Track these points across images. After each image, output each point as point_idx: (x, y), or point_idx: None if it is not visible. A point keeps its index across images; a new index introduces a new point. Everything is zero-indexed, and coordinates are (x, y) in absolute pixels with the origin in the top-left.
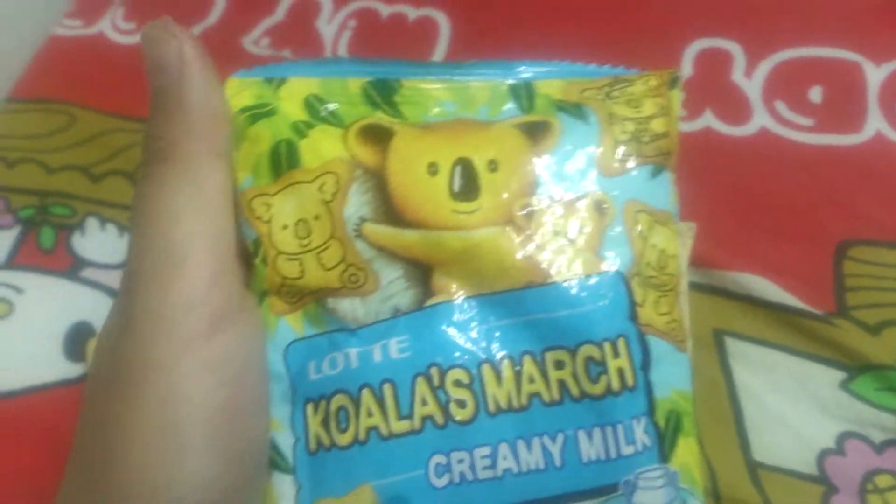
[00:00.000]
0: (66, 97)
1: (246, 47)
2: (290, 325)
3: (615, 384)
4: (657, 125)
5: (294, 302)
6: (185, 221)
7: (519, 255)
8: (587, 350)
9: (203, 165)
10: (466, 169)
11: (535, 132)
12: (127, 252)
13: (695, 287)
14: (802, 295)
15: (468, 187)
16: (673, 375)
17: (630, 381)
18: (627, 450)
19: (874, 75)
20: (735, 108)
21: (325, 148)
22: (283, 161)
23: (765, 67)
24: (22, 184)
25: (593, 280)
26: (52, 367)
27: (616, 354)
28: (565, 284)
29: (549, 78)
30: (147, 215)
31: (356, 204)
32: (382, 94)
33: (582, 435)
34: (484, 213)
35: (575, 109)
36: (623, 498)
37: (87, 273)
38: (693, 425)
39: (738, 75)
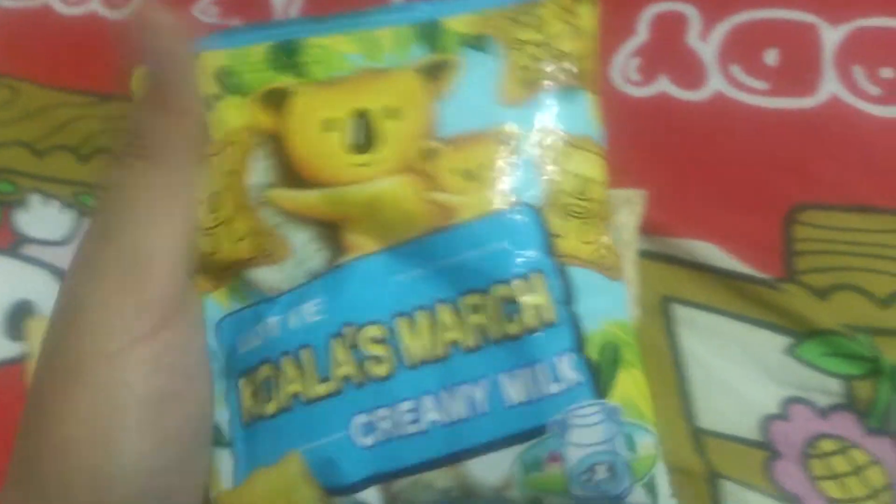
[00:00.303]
0: (9, 71)
1: (196, 15)
2: (217, 302)
3: (533, 322)
4: (565, 44)
5: (217, 278)
6: (158, 227)
7: (422, 201)
8: (500, 290)
9: (186, 174)
10: (363, 120)
11: (436, 72)
12: (87, 234)
13: (644, 254)
14: (751, 260)
15: (365, 139)
16: (604, 306)
17: (550, 316)
18: (554, 388)
19: (830, 36)
20: (690, 72)
21: (229, 119)
22: None
23: (721, 30)
24: None
25: (500, 216)
26: None
27: (531, 290)
28: (471, 224)
29: (457, 13)
30: (119, 211)
31: (259, 171)
32: (286, 56)
33: (504, 378)
34: (383, 163)
35: (477, 42)
36: (555, 439)
37: (29, 250)
38: (637, 356)
39: (693, 38)
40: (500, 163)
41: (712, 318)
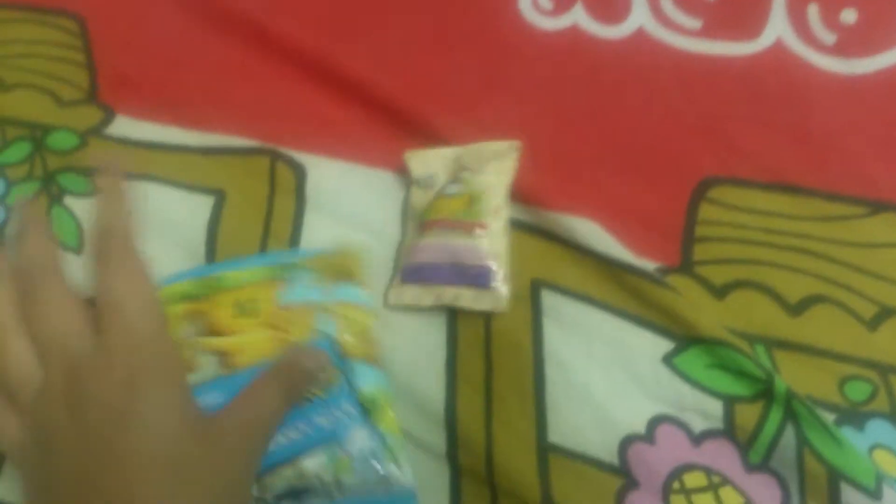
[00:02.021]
0: None
1: None
2: None
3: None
4: (350, 267)
5: None
6: None
7: (277, 341)
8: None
9: None
10: (241, 304)
11: (281, 281)
12: None
13: (516, 225)
14: (641, 242)
15: (244, 311)
16: (367, 379)
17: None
18: (344, 417)
19: None
20: (612, 1)
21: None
22: None
23: None
24: None
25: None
26: None
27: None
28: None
29: (289, 258)
30: None
31: (186, 329)
32: (216, 284)
33: (316, 417)
34: (257, 324)
35: (301, 269)
36: (344, 443)
37: None
38: (388, 404)
39: None
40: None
41: (583, 310)
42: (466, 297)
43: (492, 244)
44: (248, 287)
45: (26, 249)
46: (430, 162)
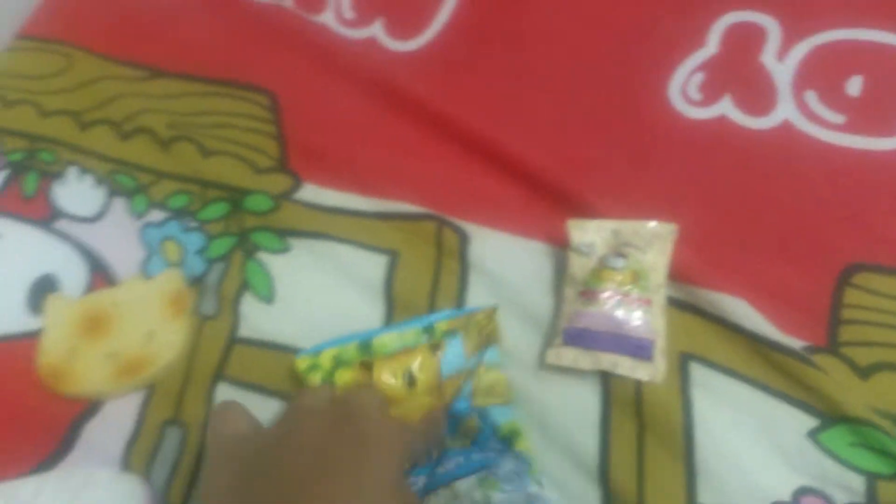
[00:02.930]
0: (68, 38)
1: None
2: None
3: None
4: (488, 329)
5: None
6: None
7: (432, 406)
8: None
9: None
10: (409, 373)
11: (437, 349)
12: None
13: (670, 301)
14: (789, 322)
15: (412, 382)
16: (504, 415)
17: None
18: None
19: None
20: (759, 94)
21: (342, 377)
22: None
23: (802, 49)
24: (16, 126)
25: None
26: (14, 318)
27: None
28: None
29: (440, 320)
30: None
31: None
32: (364, 346)
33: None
34: (419, 393)
35: (451, 333)
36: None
37: (61, 224)
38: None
39: (768, 56)
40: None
41: (732, 385)
42: (625, 366)
43: (654, 320)
44: (405, 353)
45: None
46: (590, 232)
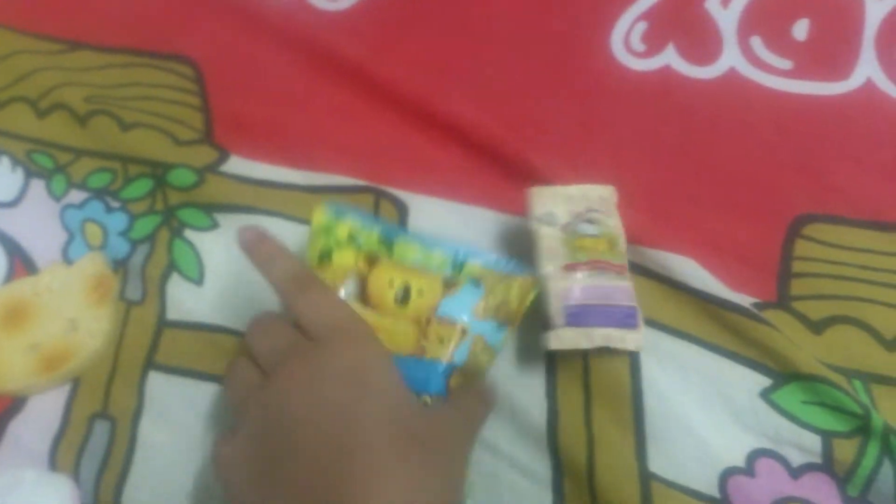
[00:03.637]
0: None
1: None
2: None
3: None
4: (512, 305)
5: None
6: None
7: (414, 340)
8: None
9: None
10: (406, 290)
11: (449, 284)
12: None
13: None
14: (738, 279)
15: (404, 299)
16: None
17: None
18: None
19: (874, 10)
20: (703, 42)
21: (344, 259)
22: (324, 256)
23: None
24: None
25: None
26: None
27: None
28: (426, 359)
29: (473, 260)
30: None
31: (346, 290)
32: (386, 242)
33: None
34: (406, 315)
35: (475, 282)
36: None
37: None
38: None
39: (712, 2)
40: (455, 341)
41: (681, 346)
42: (615, 338)
43: (631, 286)
44: (419, 273)
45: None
46: (549, 200)
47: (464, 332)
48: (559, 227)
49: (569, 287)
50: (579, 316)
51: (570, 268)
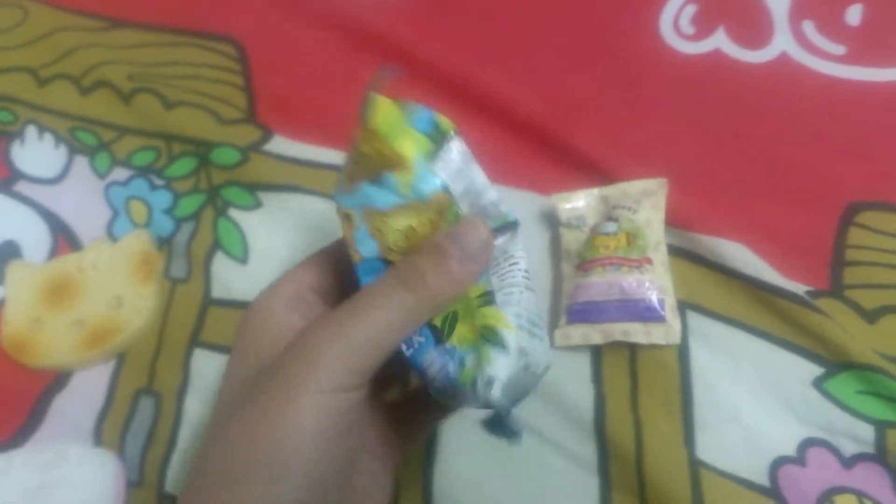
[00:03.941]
0: None
1: None
2: None
3: None
4: (367, 149)
5: None
6: None
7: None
8: None
9: None
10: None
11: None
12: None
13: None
14: (790, 266)
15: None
16: None
17: None
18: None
19: None
20: (754, 26)
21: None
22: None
23: None
24: None
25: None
26: None
27: None
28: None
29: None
30: None
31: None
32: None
33: None
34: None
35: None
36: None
37: (21, 187)
38: (469, 313)
39: None
40: (349, 233)
41: (731, 334)
42: (638, 333)
43: (658, 278)
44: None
45: None
46: (577, 203)
47: (348, 216)
48: (587, 230)
49: (576, 285)
50: (587, 313)
51: (581, 267)
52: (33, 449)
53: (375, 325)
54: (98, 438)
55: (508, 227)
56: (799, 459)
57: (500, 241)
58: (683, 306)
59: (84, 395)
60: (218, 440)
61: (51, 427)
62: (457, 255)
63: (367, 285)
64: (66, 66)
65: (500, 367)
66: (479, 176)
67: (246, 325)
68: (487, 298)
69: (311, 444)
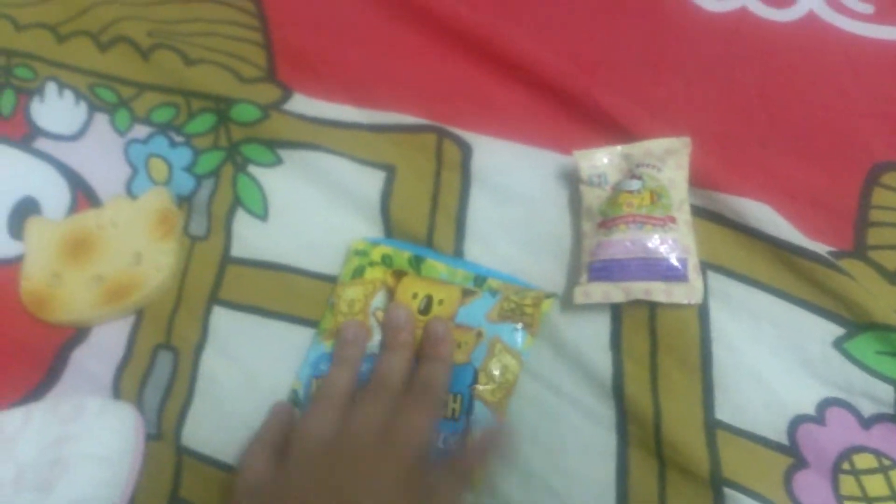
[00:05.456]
0: None
1: None
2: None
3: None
4: (527, 310)
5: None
6: None
7: None
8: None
9: None
10: (428, 300)
11: (468, 295)
12: None
13: None
14: (813, 227)
15: (425, 309)
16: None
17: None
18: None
19: None
20: None
21: (375, 274)
22: (357, 273)
23: None
24: None
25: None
26: None
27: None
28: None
29: (493, 277)
30: None
31: (376, 302)
32: (415, 262)
33: None
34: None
35: (492, 292)
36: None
37: (40, 144)
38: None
39: None
40: (472, 344)
41: (752, 294)
42: (659, 291)
43: (682, 237)
44: (440, 285)
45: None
46: (598, 160)
47: (479, 334)
48: (608, 188)
49: (598, 243)
50: (609, 270)
51: (604, 224)
52: (53, 402)
53: None
54: (117, 392)
55: None
56: (818, 418)
57: None
58: (704, 266)
59: (103, 349)
60: None
61: (70, 380)
62: None
63: None
64: (85, 22)
65: None
66: None
67: None
68: None
69: None
